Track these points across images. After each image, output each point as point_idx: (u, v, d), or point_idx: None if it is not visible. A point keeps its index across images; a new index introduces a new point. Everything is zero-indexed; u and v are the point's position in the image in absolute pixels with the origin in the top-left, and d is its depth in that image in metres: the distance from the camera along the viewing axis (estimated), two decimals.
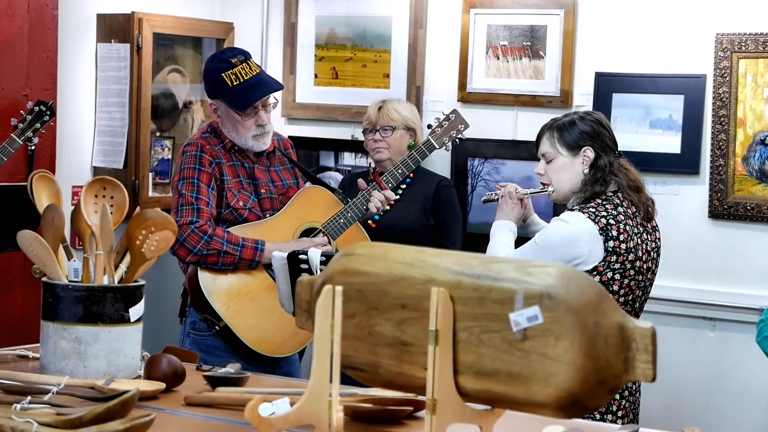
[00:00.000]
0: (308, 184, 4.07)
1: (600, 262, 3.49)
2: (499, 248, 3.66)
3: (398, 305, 2.06)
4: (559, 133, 3.63)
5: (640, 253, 3.56)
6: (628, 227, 3.53)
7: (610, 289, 3.51)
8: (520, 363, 1.91)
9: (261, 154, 3.96)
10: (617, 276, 3.52)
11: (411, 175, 4.64)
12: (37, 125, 4.37)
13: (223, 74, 3.83)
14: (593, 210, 3.52)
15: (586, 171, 3.60)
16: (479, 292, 1.96)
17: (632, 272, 3.54)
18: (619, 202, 3.57)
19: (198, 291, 3.77)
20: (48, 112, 4.38)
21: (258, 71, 3.89)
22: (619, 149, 3.68)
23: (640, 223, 3.59)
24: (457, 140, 4.37)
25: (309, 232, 3.94)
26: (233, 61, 3.85)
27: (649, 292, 3.67)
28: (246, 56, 3.89)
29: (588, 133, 3.61)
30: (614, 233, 3.50)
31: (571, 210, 3.57)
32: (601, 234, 3.49)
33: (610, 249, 3.49)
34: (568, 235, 3.51)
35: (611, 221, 3.51)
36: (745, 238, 4.70)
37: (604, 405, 3.18)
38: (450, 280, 1.99)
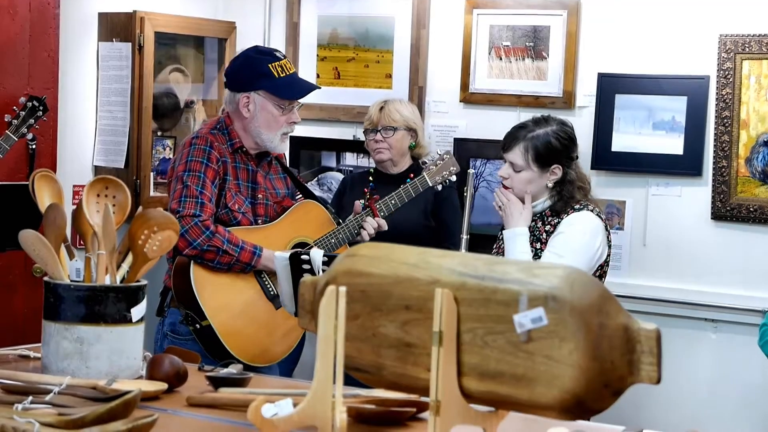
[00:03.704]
0: (300, 197, 4.07)
1: (606, 257, 3.74)
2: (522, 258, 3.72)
3: (402, 306, 2.05)
4: (534, 151, 3.75)
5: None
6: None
7: (603, 281, 3.73)
8: (525, 365, 1.91)
9: (263, 160, 3.94)
10: (607, 269, 3.79)
11: (411, 175, 4.63)
12: (31, 121, 4.36)
13: (269, 65, 3.84)
14: (591, 208, 3.75)
15: (550, 185, 3.77)
16: (484, 294, 1.95)
17: (609, 266, 3.82)
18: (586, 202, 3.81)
19: (187, 284, 3.72)
20: (41, 107, 4.36)
21: (295, 70, 3.97)
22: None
23: None
24: (446, 182, 4.36)
25: (301, 246, 3.92)
26: (277, 54, 3.91)
27: None
28: (284, 54, 3.96)
29: (561, 152, 3.77)
30: (608, 228, 3.78)
31: (577, 211, 3.73)
32: (605, 230, 3.74)
33: (608, 243, 3.75)
34: (591, 237, 3.70)
35: (603, 216, 3.79)
36: (748, 240, 4.69)
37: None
38: (454, 282, 1.98)
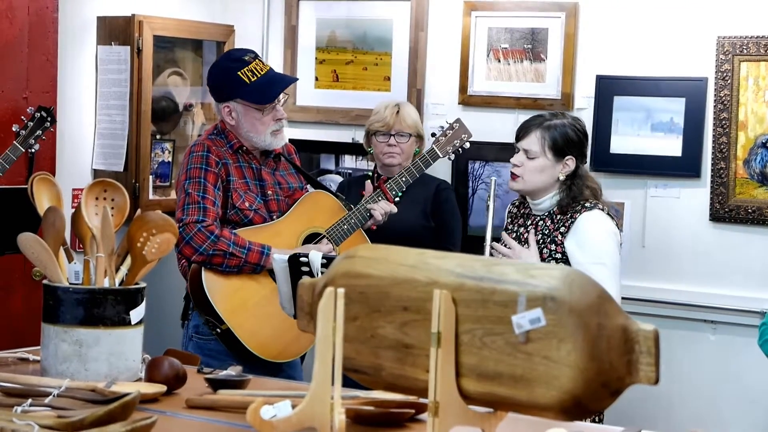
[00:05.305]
0: (310, 188, 4.07)
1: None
2: None
3: (401, 307, 2.05)
4: (551, 138, 3.76)
5: None
6: None
7: None
8: (523, 365, 1.91)
9: (268, 157, 3.95)
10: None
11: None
12: (39, 132, 4.36)
13: (239, 73, 3.84)
14: (601, 208, 3.74)
15: (562, 178, 3.76)
16: (482, 295, 1.95)
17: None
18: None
19: (201, 291, 3.75)
20: (49, 118, 4.37)
21: (269, 67, 3.93)
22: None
23: None
24: (459, 150, 4.36)
25: (313, 237, 3.93)
26: (246, 58, 3.88)
27: None
28: (255, 54, 3.92)
29: (575, 143, 3.78)
30: (618, 226, 3.79)
31: (589, 210, 3.72)
32: (616, 226, 3.77)
33: (620, 244, 3.77)
34: (607, 236, 3.71)
35: (611, 214, 3.79)
36: (746, 241, 4.69)
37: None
38: (453, 283, 1.98)
